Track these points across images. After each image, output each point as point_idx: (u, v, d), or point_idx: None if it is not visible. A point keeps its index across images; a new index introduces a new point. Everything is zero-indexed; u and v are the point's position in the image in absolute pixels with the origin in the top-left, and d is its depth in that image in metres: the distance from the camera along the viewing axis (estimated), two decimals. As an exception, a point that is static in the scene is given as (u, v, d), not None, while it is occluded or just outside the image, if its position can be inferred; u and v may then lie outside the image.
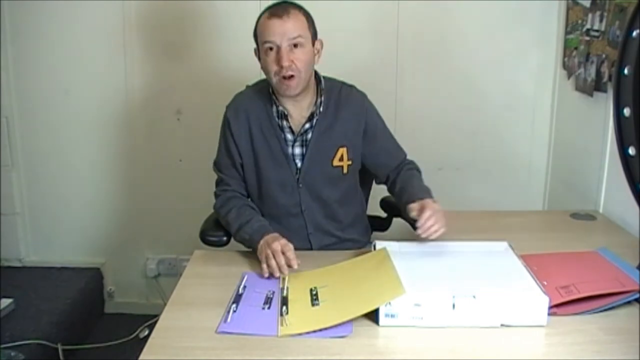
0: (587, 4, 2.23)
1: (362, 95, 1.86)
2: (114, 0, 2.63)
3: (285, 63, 1.64)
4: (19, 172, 2.84)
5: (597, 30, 2.15)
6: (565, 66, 2.47)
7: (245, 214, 1.76)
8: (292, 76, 1.66)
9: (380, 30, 2.64)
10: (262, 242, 1.63)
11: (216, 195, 1.86)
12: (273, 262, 1.56)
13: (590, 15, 2.20)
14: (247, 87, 1.88)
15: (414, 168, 1.90)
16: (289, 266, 1.55)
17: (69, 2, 2.64)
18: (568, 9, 2.42)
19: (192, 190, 2.70)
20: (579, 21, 2.31)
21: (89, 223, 2.91)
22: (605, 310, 1.41)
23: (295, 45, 1.66)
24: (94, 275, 2.91)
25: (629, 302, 1.43)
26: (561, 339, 1.32)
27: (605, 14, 2.08)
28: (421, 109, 2.71)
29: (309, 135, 1.78)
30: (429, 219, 1.57)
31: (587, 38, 2.22)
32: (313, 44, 1.72)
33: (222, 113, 1.84)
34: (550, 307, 1.36)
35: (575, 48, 2.34)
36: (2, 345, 2.21)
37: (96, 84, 2.74)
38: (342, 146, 1.80)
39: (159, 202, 2.84)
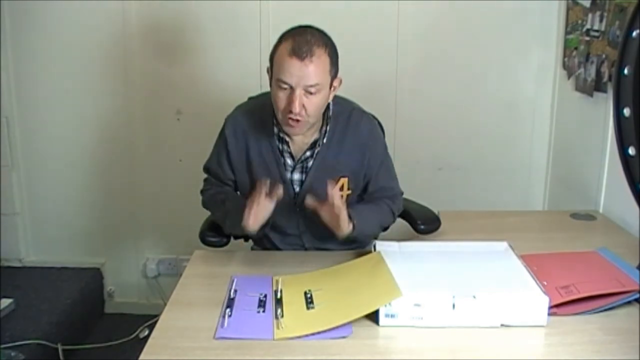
0: (587, 4, 2.23)
1: (372, 124, 1.77)
2: (114, 0, 2.63)
3: (296, 110, 1.51)
4: (19, 172, 2.84)
5: (597, 30, 2.15)
6: (565, 66, 2.47)
7: (220, 201, 1.73)
8: (298, 120, 1.55)
9: (381, 29, 2.63)
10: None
11: (202, 192, 1.84)
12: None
13: (590, 15, 2.20)
14: (250, 99, 1.83)
15: (385, 203, 1.77)
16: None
17: (69, 3, 2.64)
18: (568, 9, 2.42)
19: (192, 190, 2.68)
20: (579, 21, 2.31)
21: (89, 223, 2.91)
22: (605, 310, 1.41)
23: (311, 92, 1.53)
24: (94, 275, 2.91)
25: (629, 302, 1.43)
26: (561, 339, 1.32)
27: (605, 14, 2.08)
28: (421, 109, 2.71)
29: (310, 163, 1.71)
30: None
31: (587, 38, 2.22)
32: (331, 85, 1.59)
33: (222, 113, 1.81)
34: (550, 307, 1.37)
35: (575, 48, 2.34)
36: (2, 345, 2.21)
37: (96, 84, 2.74)
38: (343, 176, 1.71)
39: (159, 202, 2.84)
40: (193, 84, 2.71)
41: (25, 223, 2.91)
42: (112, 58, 2.70)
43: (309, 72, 1.50)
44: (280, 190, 1.55)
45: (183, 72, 2.71)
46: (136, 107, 2.76)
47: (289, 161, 1.71)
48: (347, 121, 1.71)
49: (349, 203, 1.72)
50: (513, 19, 2.62)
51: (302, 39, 1.51)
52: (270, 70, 1.60)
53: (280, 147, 1.70)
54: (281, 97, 1.54)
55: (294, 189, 1.73)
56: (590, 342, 1.31)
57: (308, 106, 1.54)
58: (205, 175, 1.86)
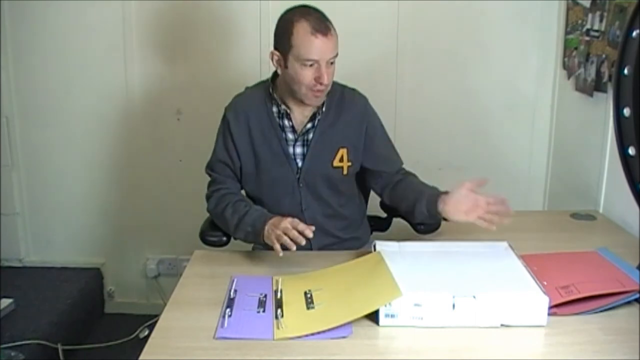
0: (587, 4, 2.23)
1: (364, 99, 1.87)
2: (114, 0, 2.63)
3: (326, 81, 1.65)
4: (19, 172, 2.84)
5: (597, 31, 2.15)
6: (565, 66, 2.47)
7: (241, 207, 1.74)
8: (323, 90, 1.69)
9: (381, 29, 2.64)
10: (267, 227, 1.62)
11: (208, 197, 1.84)
12: (286, 238, 1.55)
13: (590, 16, 2.20)
14: (247, 88, 1.88)
15: (410, 174, 1.88)
16: (305, 237, 1.55)
17: (68, 2, 2.64)
18: (568, 9, 2.42)
19: (192, 190, 2.68)
20: (579, 21, 2.31)
21: (89, 223, 2.91)
22: (605, 310, 1.41)
23: (332, 62, 1.68)
24: (94, 275, 2.91)
25: (629, 302, 1.43)
26: (561, 339, 1.32)
27: (605, 14, 2.08)
28: (421, 109, 2.71)
29: (311, 135, 1.78)
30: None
31: (587, 38, 2.22)
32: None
33: (222, 113, 1.83)
34: (550, 307, 1.37)
35: (575, 48, 2.34)
36: (2, 345, 2.21)
37: (96, 84, 2.74)
38: (342, 147, 1.80)
39: (159, 202, 2.84)
40: (193, 84, 2.72)
41: (25, 223, 2.91)
42: (112, 58, 2.70)
43: (331, 46, 1.66)
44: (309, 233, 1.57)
45: (183, 72, 2.71)
46: (136, 107, 2.76)
47: (290, 136, 1.79)
48: (341, 97, 1.82)
49: (351, 175, 1.85)
50: (513, 19, 2.62)
51: (315, 18, 1.66)
52: (285, 53, 1.67)
53: (281, 122, 1.78)
54: (307, 74, 1.66)
55: (296, 163, 1.80)
56: (590, 342, 1.31)
57: (329, 76, 1.68)
58: (208, 178, 1.86)
